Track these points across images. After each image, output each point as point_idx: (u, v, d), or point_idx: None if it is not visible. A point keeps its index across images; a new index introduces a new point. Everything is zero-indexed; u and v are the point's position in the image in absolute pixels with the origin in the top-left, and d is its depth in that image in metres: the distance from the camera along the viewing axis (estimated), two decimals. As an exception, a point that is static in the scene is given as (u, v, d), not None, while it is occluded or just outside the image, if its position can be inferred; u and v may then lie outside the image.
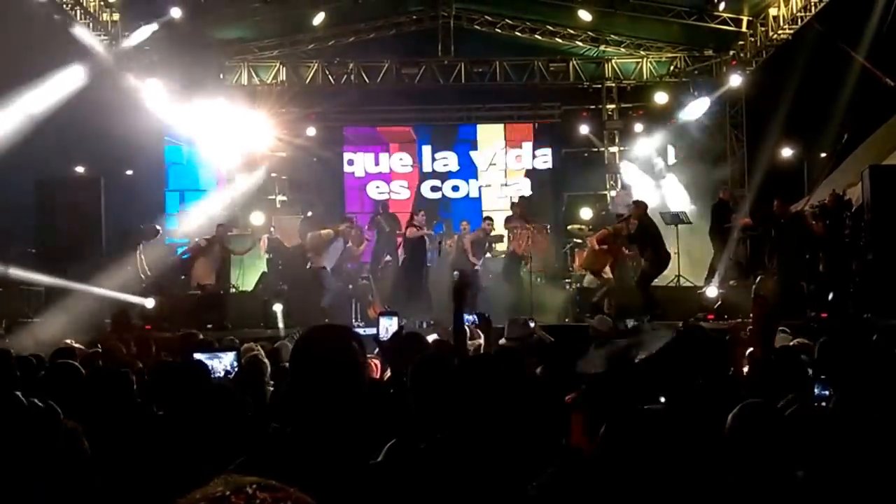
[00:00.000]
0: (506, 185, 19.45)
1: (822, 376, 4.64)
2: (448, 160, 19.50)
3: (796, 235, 12.81)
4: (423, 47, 18.56)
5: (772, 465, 3.05)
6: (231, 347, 6.06)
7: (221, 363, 5.68)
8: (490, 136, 19.68)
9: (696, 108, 17.61)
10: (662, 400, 4.21)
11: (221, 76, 18.77)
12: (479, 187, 19.49)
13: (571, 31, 18.37)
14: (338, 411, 2.43)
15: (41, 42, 13.76)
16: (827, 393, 4.55)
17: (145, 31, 15.16)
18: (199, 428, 3.91)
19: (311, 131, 18.80)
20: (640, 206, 13.56)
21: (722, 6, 15.99)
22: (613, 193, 18.42)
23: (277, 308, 12.90)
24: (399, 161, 19.54)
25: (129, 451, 3.78)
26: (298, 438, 2.39)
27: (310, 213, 17.16)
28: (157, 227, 14.23)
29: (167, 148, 18.23)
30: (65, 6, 14.72)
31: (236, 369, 5.75)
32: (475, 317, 8.41)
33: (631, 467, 2.71)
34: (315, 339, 2.55)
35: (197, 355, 5.56)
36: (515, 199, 17.60)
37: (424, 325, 11.55)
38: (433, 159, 19.51)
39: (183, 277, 14.13)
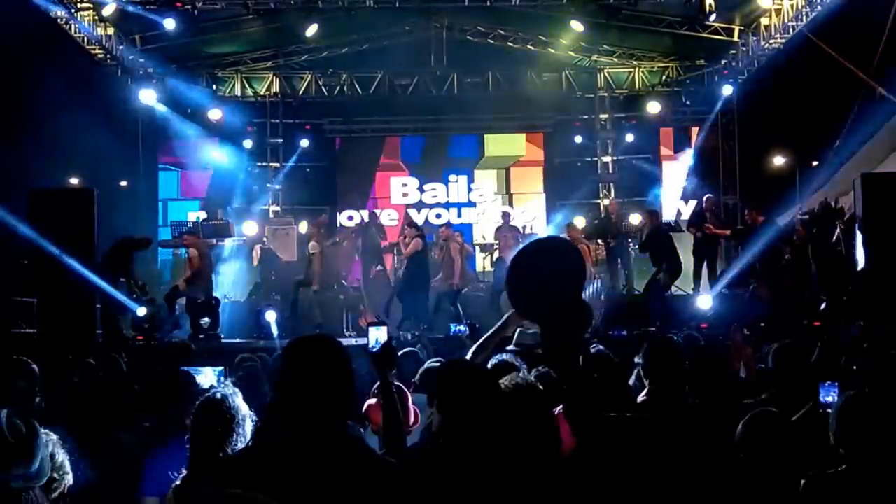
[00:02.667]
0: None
1: (829, 382, 4.63)
2: (437, 191, 19.61)
3: (770, 241, 12.93)
4: (416, 58, 18.58)
5: (780, 473, 3.03)
6: (218, 363, 6.03)
7: (207, 378, 5.65)
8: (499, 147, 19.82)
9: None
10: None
11: (215, 87, 18.81)
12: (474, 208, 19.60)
13: (564, 42, 18.41)
14: (331, 415, 2.44)
15: (37, 52, 13.79)
16: (833, 399, 4.54)
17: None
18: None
19: (305, 142, 18.82)
20: (653, 216, 13.62)
21: (713, 16, 16.02)
22: (606, 202, 18.45)
23: (270, 318, 12.88)
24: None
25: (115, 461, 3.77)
26: (293, 445, 2.39)
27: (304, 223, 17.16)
28: (149, 238, 14.22)
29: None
30: (59, 20, 14.78)
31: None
32: (466, 327, 8.43)
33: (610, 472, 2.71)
34: (307, 348, 2.56)
35: (184, 368, 5.54)
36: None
37: (410, 336, 11.55)
38: (421, 190, 19.63)
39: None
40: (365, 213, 18.54)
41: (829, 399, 4.50)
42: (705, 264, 14.41)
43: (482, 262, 17.90)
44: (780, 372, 4.88)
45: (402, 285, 13.70)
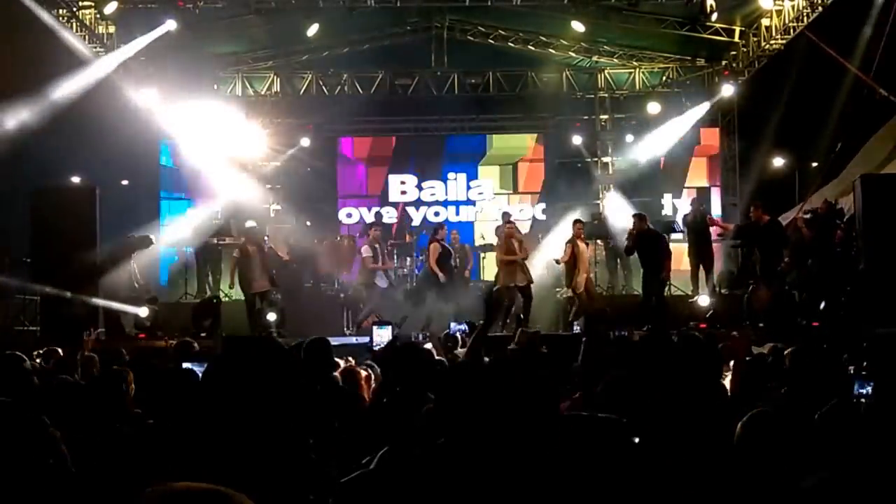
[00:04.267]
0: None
1: (864, 372, 4.66)
2: (435, 189, 19.65)
3: (774, 241, 12.99)
4: (417, 58, 18.61)
5: (782, 474, 3.05)
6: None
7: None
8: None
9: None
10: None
11: (216, 87, 18.83)
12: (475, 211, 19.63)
13: (564, 42, 18.44)
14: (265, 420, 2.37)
15: (38, 51, 13.81)
16: (866, 391, 4.57)
17: (142, 41, 15.22)
18: (190, 434, 3.92)
19: (305, 142, 18.84)
20: (642, 220, 13.71)
21: (714, 16, 16.05)
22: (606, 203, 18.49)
23: (271, 317, 12.93)
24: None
25: (116, 458, 3.79)
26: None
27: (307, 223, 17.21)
28: (151, 237, 14.25)
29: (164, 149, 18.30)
30: (61, 18, 14.80)
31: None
32: (465, 325, 8.48)
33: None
34: (240, 351, 2.49)
35: (187, 365, 5.55)
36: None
37: (421, 336, 11.57)
38: (420, 188, 19.66)
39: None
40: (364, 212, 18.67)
41: (865, 391, 4.52)
42: (701, 266, 14.48)
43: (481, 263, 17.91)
44: (797, 375, 4.88)
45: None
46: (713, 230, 14.80)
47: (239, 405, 2.29)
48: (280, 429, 2.33)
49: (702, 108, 17.98)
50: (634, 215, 13.95)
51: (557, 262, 14.06)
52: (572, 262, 13.62)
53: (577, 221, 14.26)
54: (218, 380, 2.36)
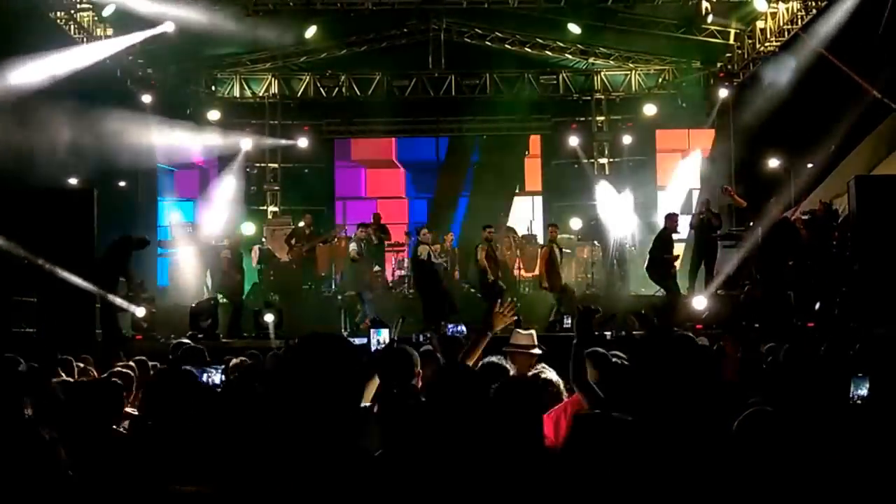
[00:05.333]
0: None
1: (860, 374, 4.70)
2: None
3: (779, 239, 13.03)
4: (414, 60, 18.65)
5: (778, 471, 3.08)
6: (219, 363, 6.09)
7: (210, 378, 5.70)
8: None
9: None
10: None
11: (214, 88, 18.87)
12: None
13: (561, 45, 18.50)
14: (332, 415, 2.46)
15: (38, 50, 13.86)
16: (863, 392, 4.60)
17: (140, 36, 15.28)
18: (189, 435, 3.97)
19: (303, 142, 18.89)
20: (673, 219, 13.96)
21: (710, 19, 16.11)
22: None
23: (268, 318, 12.96)
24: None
25: (115, 461, 3.83)
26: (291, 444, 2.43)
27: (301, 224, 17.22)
28: (147, 238, 14.26)
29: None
30: (58, 21, 14.85)
31: (224, 383, 5.78)
32: (463, 327, 8.52)
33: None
34: (314, 345, 2.57)
35: (184, 367, 5.59)
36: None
37: (422, 337, 11.59)
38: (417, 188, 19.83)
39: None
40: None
41: (861, 392, 4.56)
42: (704, 267, 14.47)
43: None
44: (790, 372, 4.93)
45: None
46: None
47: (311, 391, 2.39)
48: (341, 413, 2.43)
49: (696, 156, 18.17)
50: (668, 215, 14.14)
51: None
52: (546, 266, 13.97)
53: (551, 224, 14.61)
54: (294, 370, 2.45)
